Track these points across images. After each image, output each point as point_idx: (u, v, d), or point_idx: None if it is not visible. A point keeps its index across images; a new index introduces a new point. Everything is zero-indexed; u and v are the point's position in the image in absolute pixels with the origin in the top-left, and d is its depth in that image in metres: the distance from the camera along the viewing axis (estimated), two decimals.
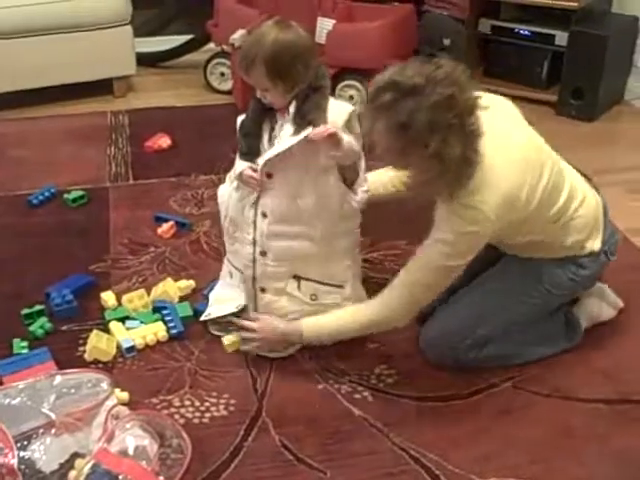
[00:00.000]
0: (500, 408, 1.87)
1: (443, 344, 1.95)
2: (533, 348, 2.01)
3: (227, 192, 2.01)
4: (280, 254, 1.92)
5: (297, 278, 1.96)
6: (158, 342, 2.06)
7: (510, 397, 1.91)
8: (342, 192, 1.89)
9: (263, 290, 1.97)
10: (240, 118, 1.93)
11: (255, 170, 1.85)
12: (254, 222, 1.91)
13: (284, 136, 1.83)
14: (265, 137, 1.88)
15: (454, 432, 1.80)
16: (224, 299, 2.07)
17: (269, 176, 1.86)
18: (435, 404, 1.88)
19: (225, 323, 2.05)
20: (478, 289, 1.99)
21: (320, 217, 1.88)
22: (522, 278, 1.96)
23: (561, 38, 3.56)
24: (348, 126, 1.81)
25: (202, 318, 2.09)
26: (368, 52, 3.39)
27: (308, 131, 1.75)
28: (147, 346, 2.05)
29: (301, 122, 1.78)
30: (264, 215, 1.89)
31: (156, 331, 2.07)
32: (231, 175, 1.99)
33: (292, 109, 1.81)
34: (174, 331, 2.08)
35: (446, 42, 3.59)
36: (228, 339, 2.03)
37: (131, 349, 2.02)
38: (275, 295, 1.97)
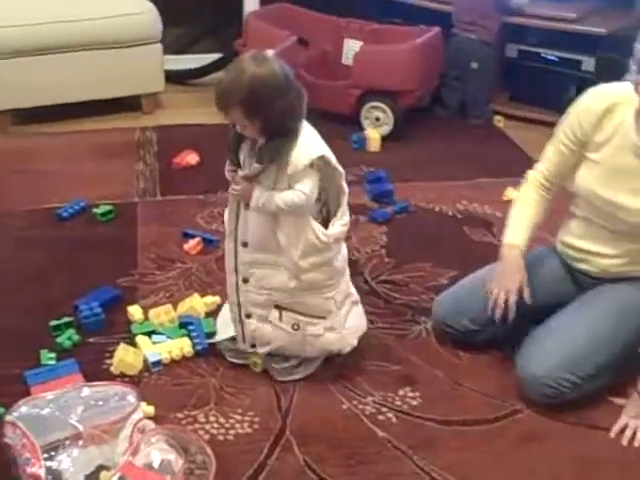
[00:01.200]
0: (524, 435, 1.87)
1: (558, 376, 1.86)
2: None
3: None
4: (260, 282, 1.90)
5: (279, 308, 1.93)
6: (184, 357, 2.08)
7: (534, 424, 1.90)
8: (315, 226, 1.86)
9: (248, 316, 1.96)
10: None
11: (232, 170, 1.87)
12: (234, 250, 1.91)
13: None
14: (245, 150, 1.86)
15: (477, 457, 1.80)
16: (227, 322, 2.05)
17: (247, 206, 1.85)
18: (459, 428, 1.88)
19: (241, 351, 2.03)
20: (588, 313, 1.95)
21: (296, 248, 1.85)
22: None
23: (588, 64, 3.58)
24: (317, 168, 1.80)
25: (210, 340, 2.09)
26: (395, 74, 3.41)
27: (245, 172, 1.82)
28: (173, 361, 2.06)
29: (261, 160, 1.78)
30: (244, 244, 1.89)
31: (182, 346, 2.08)
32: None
33: (258, 145, 1.80)
34: (199, 347, 2.09)
35: (474, 65, 3.61)
36: (253, 363, 2.03)
37: (157, 363, 2.04)
38: (259, 322, 1.95)
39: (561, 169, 2.01)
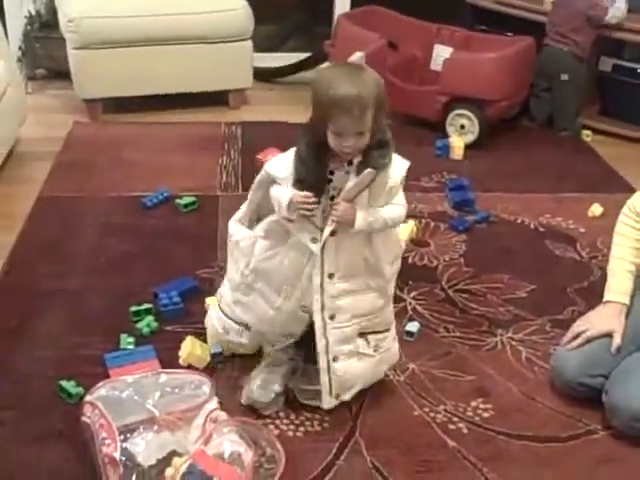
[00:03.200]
0: (598, 456, 1.82)
1: None
2: None
3: (248, 236, 1.88)
4: (351, 312, 1.79)
5: (362, 335, 1.85)
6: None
7: (609, 446, 1.85)
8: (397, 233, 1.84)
9: (335, 359, 1.81)
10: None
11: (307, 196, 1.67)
12: (320, 286, 1.76)
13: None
14: (338, 176, 1.72)
15: (549, 474, 1.76)
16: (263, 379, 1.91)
17: (332, 234, 1.72)
18: (530, 443, 1.85)
19: (311, 391, 1.91)
20: None
21: (387, 262, 1.81)
22: None
23: None
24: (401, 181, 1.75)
25: (244, 401, 1.91)
26: (484, 82, 3.37)
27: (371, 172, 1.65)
28: (234, 354, 2.05)
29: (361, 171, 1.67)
30: (330, 276, 1.75)
31: None
32: (244, 218, 1.92)
33: (356, 161, 1.69)
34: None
35: (564, 77, 3.54)
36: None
37: (219, 355, 2.05)
38: (347, 359, 1.83)
39: None
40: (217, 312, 2.00)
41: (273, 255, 1.82)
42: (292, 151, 1.73)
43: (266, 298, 1.86)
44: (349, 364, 1.84)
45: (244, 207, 1.93)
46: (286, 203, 1.69)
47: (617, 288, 1.97)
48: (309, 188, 1.67)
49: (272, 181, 1.77)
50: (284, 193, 1.71)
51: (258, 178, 1.84)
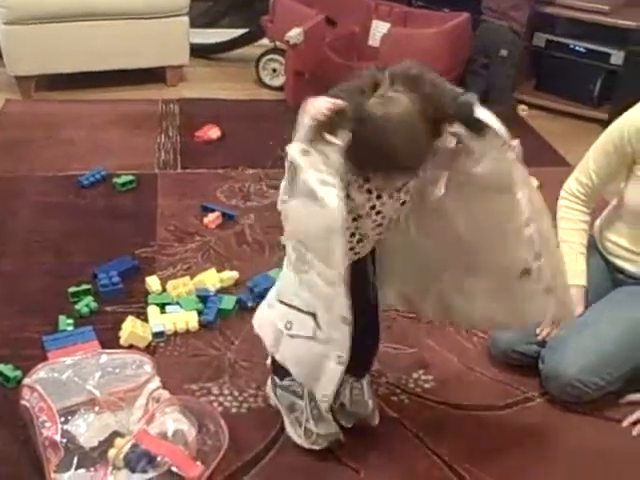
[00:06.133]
0: (535, 422, 1.87)
1: (587, 379, 1.84)
2: None
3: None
4: None
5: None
6: (188, 331, 2.08)
7: (546, 412, 1.90)
8: None
9: None
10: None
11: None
12: None
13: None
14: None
15: (489, 442, 1.80)
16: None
17: None
18: (471, 412, 1.89)
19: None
20: (626, 316, 1.90)
21: None
22: None
23: (617, 57, 3.55)
24: None
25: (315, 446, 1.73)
26: (422, 58, 3.36)
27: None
28: (176, 333, 2.07)
29: None
30: None
31: (188, 320, 2.09)
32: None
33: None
34: (205, 317, 2.10)
35: (503, 53, 3.56)
36: None
37: (160, 334, 2.05)
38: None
39: (604, 183, 1.99)
40: (273, 309, 1.62)
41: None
42: None
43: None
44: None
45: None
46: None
47: (573, 272, 1.96)
48: None
49: None
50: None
51: None
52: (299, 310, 1.50)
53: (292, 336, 1.52)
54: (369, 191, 1.46)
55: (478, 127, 1.42)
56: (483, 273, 1.60)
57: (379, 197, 1.47)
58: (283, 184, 1.48)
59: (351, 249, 1.52)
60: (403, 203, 1.52)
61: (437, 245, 1.61)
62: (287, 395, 1.77)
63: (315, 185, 1.35)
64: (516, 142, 1.45)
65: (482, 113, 1.42)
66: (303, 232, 1.45)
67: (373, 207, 1.48)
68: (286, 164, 1.44)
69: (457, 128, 1.42)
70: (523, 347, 1.97)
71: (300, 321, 1.50)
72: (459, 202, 1.52)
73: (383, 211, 1.49)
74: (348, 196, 1.43)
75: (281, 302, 1.56)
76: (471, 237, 1.55)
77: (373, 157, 1.37)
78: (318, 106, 1.36)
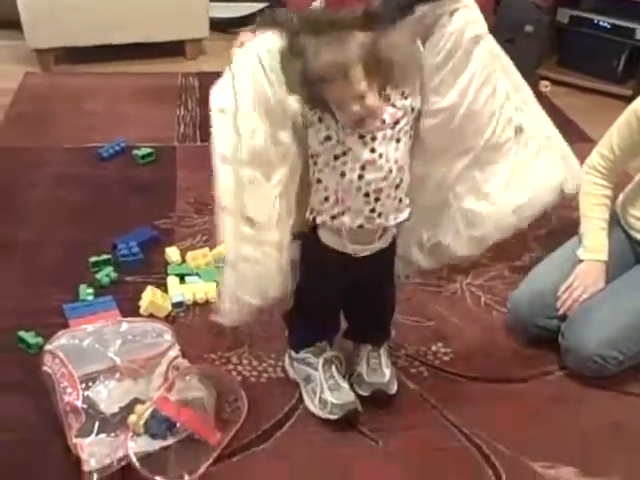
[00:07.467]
0: (554, 395, 1.87)
1: (607, 354, 1.84)
2: None
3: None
4: None
5: None
6: (207, 302, 2.07)
7: (564, 386, 1.90)
8: None
9: None
10: None
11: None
12: None
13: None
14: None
15: (506, 413, 1.81)
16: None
17: None
18: (489, 385, 1.89)
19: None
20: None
21: None
22: None
23: None
24: None
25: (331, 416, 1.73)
26: None
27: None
28: (195, 303, 2.07)
29: None
30: None
31: (207, 290, 2.09)
32: None
33: None
34: None
35: (528, 29, 3.51)
36: None
37: (180, 304, 2.06)
38: None
39: (626, 157, 1.98)
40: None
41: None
42: None
43: None
44: None
45: None
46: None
47: (596, 247, 1.98)
48: None
49: None
50: None
51: None
52: None
53: None
54: (361, 136, 1.46)
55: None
56: (486, 155, 1.60)
57: (374, 139, 1.47)
58: None
59: (372, 210, 1.52)
60: (398, 140, 1.49)
61: (442, 154, 1.59)
62: (303, 367, 1.80)
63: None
64: None
65: None
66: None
67: (373, 150, 1.47)
68: None
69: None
70: (544, 321, 1.96)
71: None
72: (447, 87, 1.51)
73: (384, 154, 1.48)
74: (344, 143, 1.47)
75: None
76: (464, 118, 1.53)
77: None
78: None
